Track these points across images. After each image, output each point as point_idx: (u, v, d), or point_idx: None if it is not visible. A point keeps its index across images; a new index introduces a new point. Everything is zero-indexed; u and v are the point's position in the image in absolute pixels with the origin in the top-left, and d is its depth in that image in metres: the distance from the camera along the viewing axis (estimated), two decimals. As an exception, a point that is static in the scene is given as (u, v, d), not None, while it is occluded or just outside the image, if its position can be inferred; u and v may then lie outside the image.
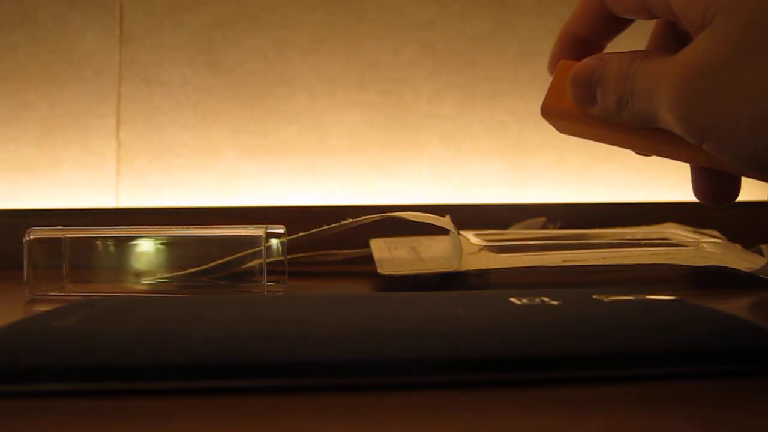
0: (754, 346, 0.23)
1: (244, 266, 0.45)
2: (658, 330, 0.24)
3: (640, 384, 0.22)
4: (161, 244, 0.45)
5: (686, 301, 0.28)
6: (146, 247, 0.45)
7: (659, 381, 0.22)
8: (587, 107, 0.29)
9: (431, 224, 0.50)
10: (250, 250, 0.44)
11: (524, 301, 0.27)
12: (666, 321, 0.25)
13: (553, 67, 0.32)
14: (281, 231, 0.44)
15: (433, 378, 0.22)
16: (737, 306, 0.40)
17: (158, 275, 0.44)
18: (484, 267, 0.47)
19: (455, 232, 0.50)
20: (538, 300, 0.27)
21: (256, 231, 0.43)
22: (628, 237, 0.57)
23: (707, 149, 0.25)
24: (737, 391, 0.21)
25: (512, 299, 0.27)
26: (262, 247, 0.42)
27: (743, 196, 0.30)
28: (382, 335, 0.23)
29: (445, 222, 0.51)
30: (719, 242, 0.52)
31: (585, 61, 0.29)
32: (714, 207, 0.30)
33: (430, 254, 0.54)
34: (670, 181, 0.75)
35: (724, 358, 0.22)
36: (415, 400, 0.21)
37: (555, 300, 0.27)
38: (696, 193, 0.30)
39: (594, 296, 0.28)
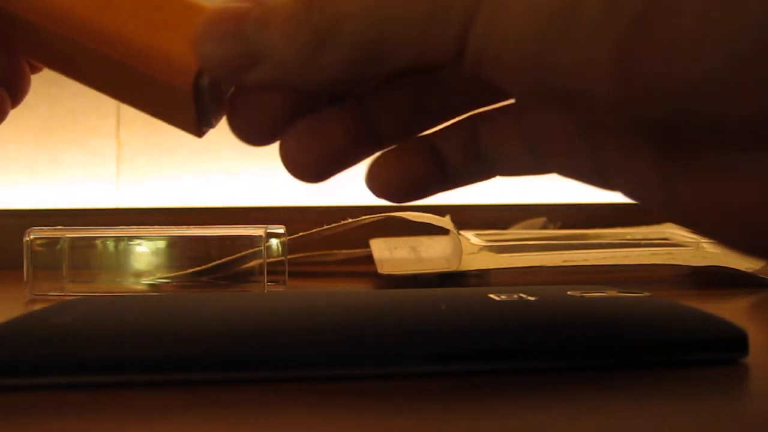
0: (712, 336, 0.24)
1: (244, 266, 0.45)
2: (623, 321, 0.25)
3: (612, 371, 0.23)
4: (161, 244, 0.45)
5: (655, 296, 0.29)
6: (146, 247, 0.45)
7: (630, 368, 0.23)
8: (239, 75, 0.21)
9: (431, 224, 0.50)
10: (250, 250, 0.44)
11: (503, 297, 0.28)
12: (633, 313, 0.26)
13: None
14: (281, 231, 0.44)
15: (417, 368, 0.23)
16: (737, 306, 0.40)
17: (158, 275, 0.44)
18: (484, 267, 0.47)
19: (455, 232, 0.50)
20: (515, 296, 0.28)
21: (256, 231, 0.43)
22: (628, 237, 0.57)
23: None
24: (694, 378, 0.22)
25: (491, 295, 0.28)
26: (262, 247, 0.42)
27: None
28: (368, 328, 0.24)
29: (445, 222, 0.51)
30: (719, 242, 0.52)
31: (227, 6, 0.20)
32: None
33: (430, 254, 0.54)
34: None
35: (685, 347, 0.24)
36: (397, 389, 0.21)
37: (532, 296, 0.28)
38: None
39: (569, 292, 0.29)
